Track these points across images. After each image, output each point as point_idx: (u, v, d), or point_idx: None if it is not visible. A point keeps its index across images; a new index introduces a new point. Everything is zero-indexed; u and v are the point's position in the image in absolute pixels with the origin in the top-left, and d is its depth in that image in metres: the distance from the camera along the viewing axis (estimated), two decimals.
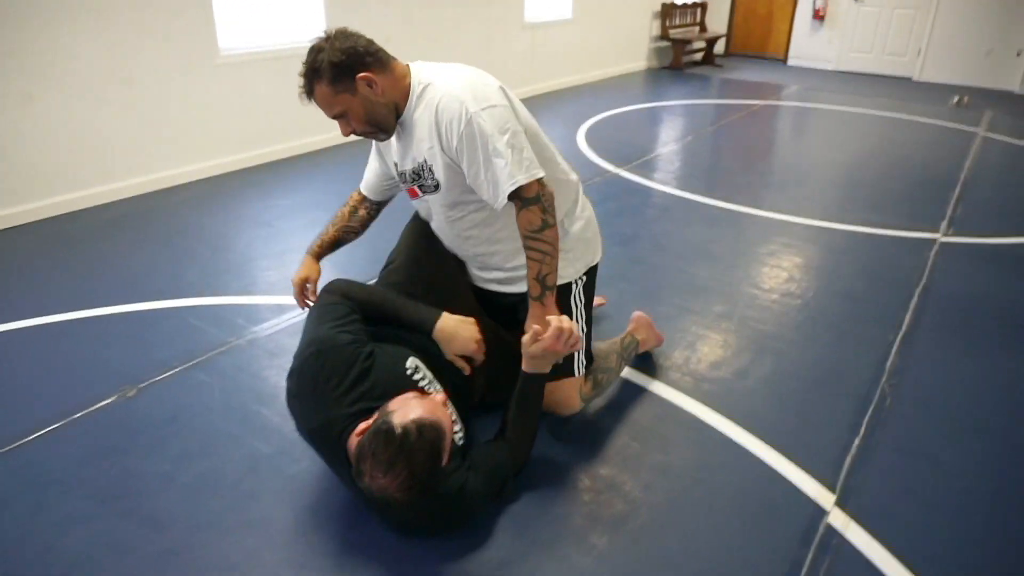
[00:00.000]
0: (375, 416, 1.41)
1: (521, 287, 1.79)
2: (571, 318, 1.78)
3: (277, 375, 2.12)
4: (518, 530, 1.58)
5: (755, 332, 2.45)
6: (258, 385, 2.10)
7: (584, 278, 1.86)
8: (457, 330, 1.68)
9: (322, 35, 1.60)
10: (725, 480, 1.75)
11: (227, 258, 3.00)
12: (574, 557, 1.51)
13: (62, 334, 2.37)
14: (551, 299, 1.68)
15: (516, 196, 1.58)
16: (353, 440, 1.42)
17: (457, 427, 1.56)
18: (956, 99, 6.51)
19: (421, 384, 1.56)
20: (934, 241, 3.28)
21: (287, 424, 1.68)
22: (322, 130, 4.68)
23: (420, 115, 1.64)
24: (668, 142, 5.04)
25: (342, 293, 1.68)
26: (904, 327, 2.49)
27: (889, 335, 2.44)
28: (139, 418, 1.94)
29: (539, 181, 1.60)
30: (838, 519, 1.63)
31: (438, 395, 1.49)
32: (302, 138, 4.57)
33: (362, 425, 1.42)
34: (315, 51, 1.57)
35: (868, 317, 2.57)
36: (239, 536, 1.55)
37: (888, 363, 2.26)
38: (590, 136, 5.06)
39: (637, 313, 2.23)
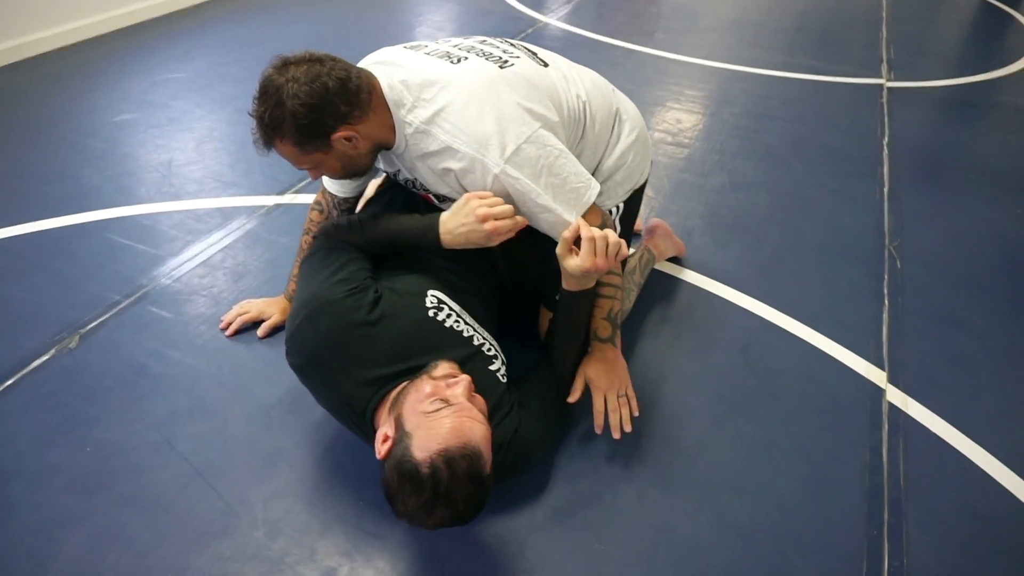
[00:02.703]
0: (392, 418, 1.13)
1: None
2: None
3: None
4: (589, 459, 1.44)
5: (750, 196, 2.34)
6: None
7: (621, 206, 1.57)
8: (457, 222, 1.26)
9: (277, 64, 1.17)
10: (779, 366, 1.68)
11: (129, 153, 2.44)
12: (658, 476, 1.41)
13: None
14: (619, 339, 1.46)
15: None
16: (382, 417, 1.16)
17: (498, 362, 1.33)
18: None
19: (448, 323, 1.28)
20: (881, 87, 3.26)
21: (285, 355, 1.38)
22: None
23: (418, 165, 1.29)
24: None
25: (331, 235, 1.36)
26: (886, 182, 2.48)
27: (875, 191, 2.41)
28: (96, 375, 1.56)
29: (597, 207, 1.33)
30: (896, 397, 1.62)
31: (456, 383, 1.14)
32: None
33: (380, 431, 1.14)
34: (272, 99, 1.15)
35: (849, 172, 2.53)
36: (280, 511, 1.31)
37: (884, 223, 2.25)
38: None
39: (654, 221, 1.98)
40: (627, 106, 1.55)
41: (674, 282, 1.94)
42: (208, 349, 1.65)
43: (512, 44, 1.43)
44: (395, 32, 3.70)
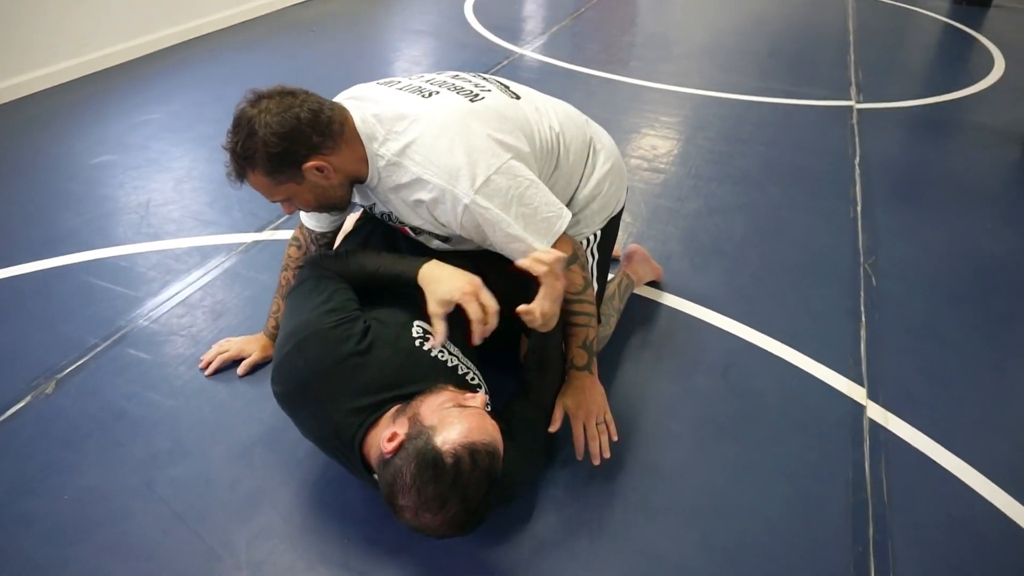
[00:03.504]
0: (404, 421, 1.12)
1: None
2: None
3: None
4: (570, 487, 1.44)
5: (727, 220, 2.37)
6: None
7: (599, 234, 1.58)
8: (442, 273, 1.27)
9: (250, 98, 1.20)
10: (759, 387, 1.69)
11: (108, 195, 2.44)
12: (643, 502, 1.41)
13: None
14: (596, 366, 1.47)
15: None
16: (374, 444, 1.15)
17: (481, 391, 1.33)
18: None
19: (433, 354, 1.28)
20: (850, 109, 3.33)
21: (265, 393, 1.38)
22: (194, 15, 3.94)
23: (391, 197, 1.32)
24: (562, 16, 4.70)
25: (319, 266, 1.37)
26: (859, 201, 2.52)
27: (849, 210, 2.46)
28: (73, 420, 1.54)
29: (568, 236, 1.35)
30: (876, 413, 1.63)
31: (475, 399, 1.16)
32: (166, 28, 3.79)
33: (388, 431, 1.12)
34: (244, 130, 1.18)
35: (822, 193, 2.57)
36: (263, 553, 1.28)
37: (859, 241, 2.28)
38: (480, 14, 4.60)
39: (631, 246, 2.00)
40: (601, 136, 1.58)
41: (654, 306, 1.96)
42: (187, 389, 1.63)
43: (485, 78, 1.46)
44: (373, 66, 3.75)
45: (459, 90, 1.34)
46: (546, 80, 3.56)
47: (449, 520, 1.04)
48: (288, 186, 1.25)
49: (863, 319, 1.93)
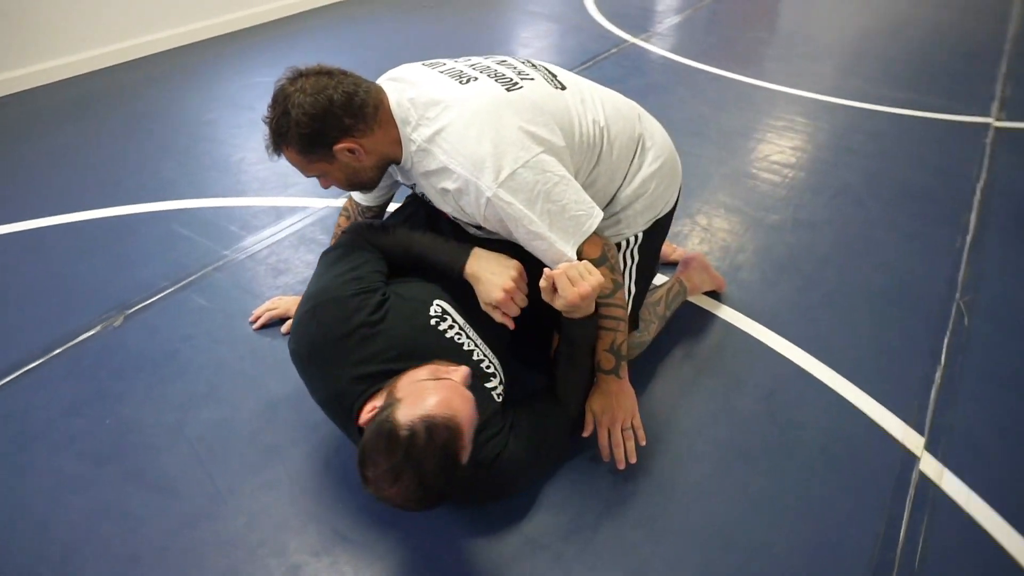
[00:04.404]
0: (384, 393, 1.14)
1: None
2: None
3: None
4: (576, 490, 1.40)
5: (812, 235, 2.20)
6: None
7: (640, 236, 1.51)
8: (486, 269, 1.30)
9: (290, 75, 1.23)
10: (802, 418, 1.57)
11: (208, 150, 2.61)
12: (644, 519, 1.35)
13: (20, 248, 2.05)
14: (626, 370, 1.42)
15: (577, 258, 1.28)
16: (364, 418, 1.16)
17: (495, 380, 1.32)
18: None
19: (449, 335, 1.29)
20: (987, 127, 2.99)
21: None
22: None
23: (422, 182, 1.33)
24: (685, 7, 4.52)
25: (359, 234, 1.40)
26: (971, 230, 2.27)
27: (956, 239, 2.22)
28: (131, 354, 1.68)
29: (599, 236, 1.31)
30: (930, 467, 1.47)
31: (457, 372, 1.16)
32: (269, 3, 4.00)
33: (371, 404, 1.15)
34: (280, 107, 1.21)
35: (930, 216, 2.33)
36: (264, 503, 1.35)
37: (960, 274, 2.06)
38: (599, 0, 4.51)
39: (691, 252, 1.91)
40: (654, 133, 1.50)
41: (708, 318, 1.86)
42: (234, 339, 1.73)
43: (534, 65, 1.42)
44: (478, 44, 3.77)
45: (499, 77, 1.32)
46: (651, 71, 3.45)
47: (405, 494, 1.04)
48: (320, 164, 1.28)
49: (942, 360, 1.74)
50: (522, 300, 1.30)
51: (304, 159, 1.27)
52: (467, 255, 1.32)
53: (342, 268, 1.31)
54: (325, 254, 1.41)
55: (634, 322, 1.59)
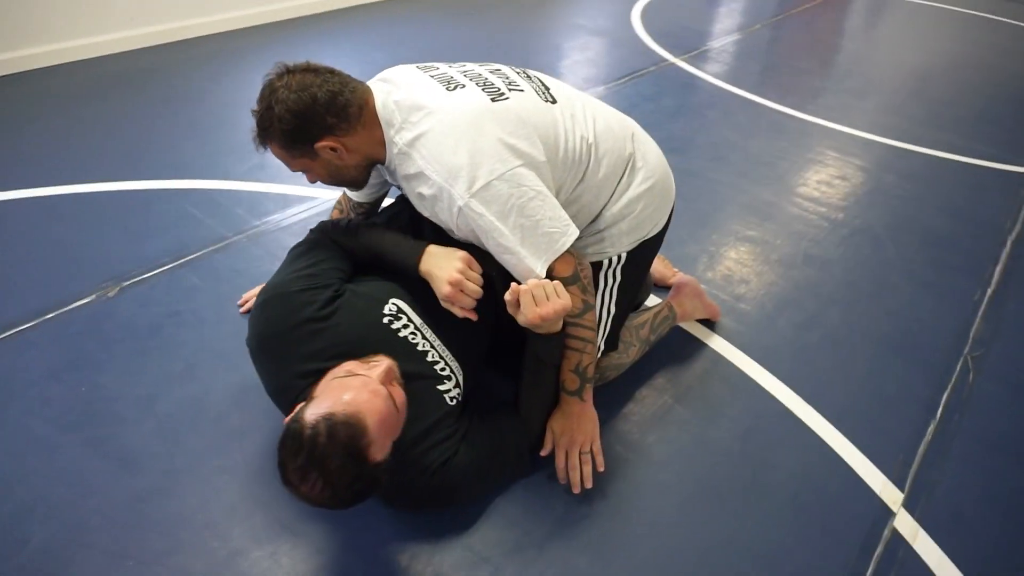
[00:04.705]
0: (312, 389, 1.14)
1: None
2: (597, 294, 1.46)
3: None
4: (529, 507, 1.37)
5: (823, 276, 2.13)
6: None
7: (624, 256, 1.47)
8: (435, 265, 1.28)
9: (278, 71, 1.24)
10: (778, 460, 1.52)
11: (232, 134, 2.67)
12: (594, 544, 1.31)
13: (37, 213, 2.12)
14: (590, 392, 1.40)
15: (548, 276, 1.26)
16: (287, 417, 1.14)
17: (450, 383, 1.30)
18: None
19: (403, 334, 1.28)
20: None
21: None
22: None
23: (403, 185, 1.33)
24: (732, 30, 4.45)
25: (325, 232, 1.41)
26: (993, 283, 2.17)
27: (975, 291, 2.12)
28: (119, 324, 1.72)
29: (573, 254, 1.28)
30: (905, 525, 1.40)
31: (376, 367, 1.13)
32: None
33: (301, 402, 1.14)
34: (265, 102, 1.23)
35: (950, 265, 2.24)
36: (217, 485, 1.36)
37: (973, 328, 1.97)
38: (647, 17, 4.48)
39: (683, 278, 1.86)
40: (647, 153, 1.47)
41: (696, 346, 1.81)
42: (220, 320, 1.75)
43: (528, 76, 1.41)
44: (517, 52, 3.77)
45: (486, 85, 1.31)
46: (685, 92, 3.40)
47: (315, 493, 1.03)
48: (302, 160, 1.29)
49: (938, 415, 1.67)
50: (473, 290, 1.26)
51: (287, 154, 1.28)
52: (420, 252, 1.31)
53: (300, 264, 1.32)
54: (292, 249, 1.42)
55: (613, 343, 1.56)
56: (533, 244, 1.24)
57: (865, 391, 1.72)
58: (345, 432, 1.01)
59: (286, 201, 2.27)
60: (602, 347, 1.52)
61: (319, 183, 1.38)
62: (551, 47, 3.94)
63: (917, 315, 2.00)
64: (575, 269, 1.29)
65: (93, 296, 1.79)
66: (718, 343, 1.83)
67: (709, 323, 1.88)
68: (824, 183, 2.68)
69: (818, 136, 3.09)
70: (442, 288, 1.26)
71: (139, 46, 3.38)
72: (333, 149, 1.26)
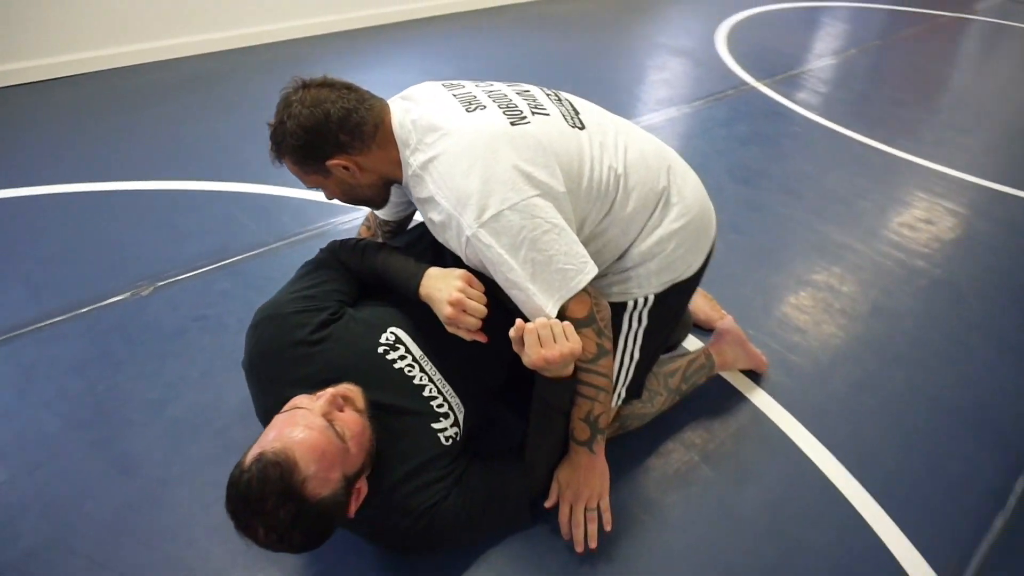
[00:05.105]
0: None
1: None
2: (618, 339, 1.34)
3: None
4: (519, 561, 1.27)
5: (892, 331, 1.93)
6: None
7: (651, 298, 1.34)
8: (434, 288, 1.21)
9: (295, 84, 1.21)
10: (810, 539, 1.36)
11: None
12: None
13: (88, 207, 2.19)
14: (602, 444, 1.29)
15: (560, 316, 1.15)
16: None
17: (446, 422, 1.21)
18: None
19: (399, 365, 1.20)
20: None
21: None
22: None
23: (419, 207, 1.27)
24: (824, 55, 4.20)
25: (333, 252, 1.36)
26: None
27: None
28: (146, 324, 1.73)
29: (590, 294, 1.17)
30: None
31: (319, 398, 1.06)
32: (399, 4, 4.12)
33: None
34: (280, 115, 1.19)
35: None
36: (207, 501, 1.33)
37: None
38: (732, 38, 4.29)
39: (726, 324, 1.71)
40: (684, 188, 1.35)
41: (735, 399, 1.66)
42: (241, 328, 1.70)
43: (558, 99, 1.32)
44: (592, 69, 3.67)
45: (508, 108, 1.23)
46: (761, 118, 3.21)
47: (263, 539, 0.96)
48: (315, 177, 1.25)
49: (1008, 506, 1.46)
50: (475, 308, 1.18)
51: (300, 170, 1.24)
52: (420, 276, 1.24)
53: (301, 284, 1.29)
54: (300, 267, 1.38)
55: (637, 391, 1.44)
56: (545, 281, 1.14)
57: (924, 470, 1.53)
58: (274, 472, 0.95)
59: (331, 211, 2.26)
60: (623, 395, 1.41)
61: (333, 200, 1.33)
62: (627, 66, 3.83)
63: (997, 386, 1.77)
64: (590, 310, 1.19)
65: (128, 294, 1.82)
66: (760, 398, 1.67)
67: (754, 374, 1.73)
68: (906, 226, 2.45)
69: (906, 174, 2.84)
70: (443, 310, 1.19)
71: (206, 51, 3.50)
72: (346, 168, 1.21)
